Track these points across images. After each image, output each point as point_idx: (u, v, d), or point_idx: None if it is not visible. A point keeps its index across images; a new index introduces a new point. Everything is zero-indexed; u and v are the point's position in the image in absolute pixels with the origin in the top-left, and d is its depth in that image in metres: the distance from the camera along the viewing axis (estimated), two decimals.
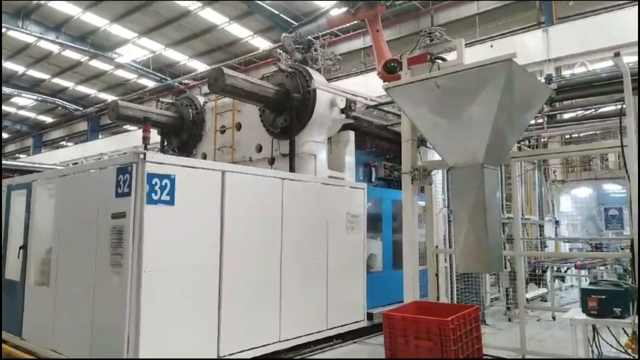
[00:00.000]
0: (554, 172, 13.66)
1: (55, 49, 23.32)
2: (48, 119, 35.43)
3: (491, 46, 15.16)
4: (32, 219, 6.42)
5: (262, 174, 6.38)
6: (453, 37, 7.13)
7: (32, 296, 6.17)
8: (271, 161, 8.38)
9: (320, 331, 6.72)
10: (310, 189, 6.98)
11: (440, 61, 6.90)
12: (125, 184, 4.94)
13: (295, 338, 6.31)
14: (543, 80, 8.72)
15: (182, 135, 9.95)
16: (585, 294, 4.64)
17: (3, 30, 20.74)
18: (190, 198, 5.25)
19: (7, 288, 6.64)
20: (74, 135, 34.46)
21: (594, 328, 4.70)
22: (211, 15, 20.06)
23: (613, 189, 15.08)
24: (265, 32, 21.26)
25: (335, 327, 6.94)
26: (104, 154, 24.77)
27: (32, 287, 6.19)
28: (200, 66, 24.95)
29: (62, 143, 35.82)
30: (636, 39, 13.07)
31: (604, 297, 4.46)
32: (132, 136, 25.19)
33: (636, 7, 13.95)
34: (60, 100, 29.66)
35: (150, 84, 26.81)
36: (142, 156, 4.89)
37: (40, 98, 28.92)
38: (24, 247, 6.41)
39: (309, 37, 12.34)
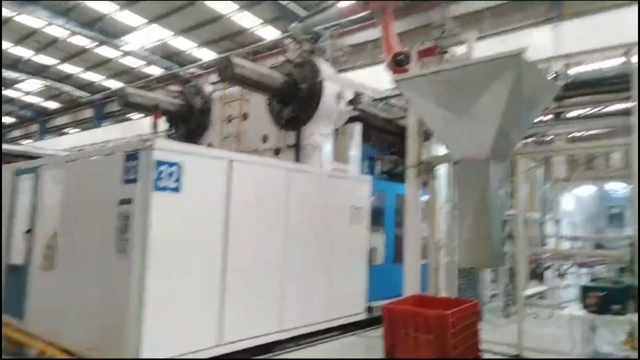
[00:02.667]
0: (558, 170, 13.62)
1: (63, 34, 23.32)
2: (54, 105, 35.48)
3: (500, 41, 15.05)
4: (38, 203, 6.49)
5: (268, 163, 6.43)
6: (463, 31, 7.11)
7: (36, 280, 6.24)
8: (277, 152, 8.41)
9: (321, 322, 6.79)
10: (315, 181, 7.01)
11: (449, 55, 6.90)
12: (133, 171, 5.00)
13: (296, 328, 6.39)
14: (551, 77, 8.69)
15: (189, 124, 9.98)
16: (585, 291, 4.68)
17: (12, 14, 20.74)
18: (197, 186, 5.31)
19: (11, 272, 6.73)
20: (80, 122, 34.51)
21: (593, 325, 4.74)
22: (219, 4, 19.97)
23: (616, 188, 15.06)
24: (274, 21, 21.16)
25: (335, 319, 7.00)
26: (109, 141, 24.82)
27: (36, 272, 6.26)
28: (208, 55, 24.90)
29: (67, 130, 35.89)
30: None
31: (603, 294, 4.49)
32: (137, 124, 25.24)
33: None
34: (66, 87, 29.70)
35: (157, 72, 26.79)
36: (150, 143, 4.94)
37: (46, 84, 28.96)
38: (30, 232, 6.48)
39: (318, 27, 12.29)
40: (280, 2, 18.95)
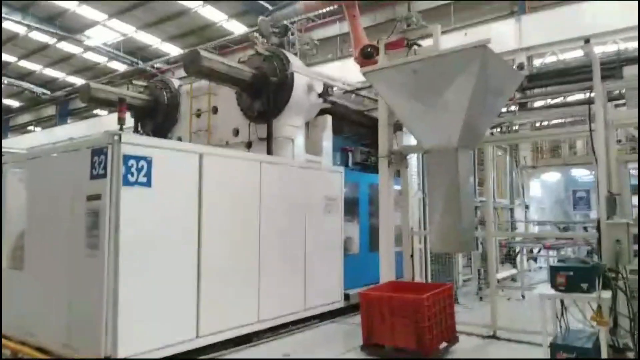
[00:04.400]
0: (524, 157, 14.02)
1: (22, 30, 22.50)
2: (15, 104, 34.26)
3: (465, 34, 15.28)
4: (3, 203, 6.27)
5: (240, 156, 6.39)
6: (429, 24, 7.20)
7: (5, 281, 6.02)
8: (248, 145, 8.35)
9: (299, 312, 6.82)
10: (288, 172, 7.01)
11: (416, 47, 6.99)
12: (101, 166, 4.89)
13: (273, 319, 6.39)
14: (515, 68, 8.92)
15: (157, 119, 9.79)
16: (554, 271, 4.82)
17: None
18: (168, 180, 5.23)
19: None
20: (42, 120, 33.43)
21: (562, 303, 4.90)
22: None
23: (580, 173, 15.63)
24: (240, 15, 20.95)
25: (312, 308, 7.05)
26: (74, 138, 24.10)
27: (5, 272, 6.04)
28: (173, 50, 24.47)
29: (29, 128, 34.72)
30: (607, 29, 13.48)
31: (571, 273, 4.65)
32: (103, 121, 24.56)
33: None
34: (27, 84, 28.70)
35: (121, 67, 26.15)
36: (117, 137, 4.84)
37: (6, 81, 27.90)
38: None
39: (285, 21, 12.22)
40: None
